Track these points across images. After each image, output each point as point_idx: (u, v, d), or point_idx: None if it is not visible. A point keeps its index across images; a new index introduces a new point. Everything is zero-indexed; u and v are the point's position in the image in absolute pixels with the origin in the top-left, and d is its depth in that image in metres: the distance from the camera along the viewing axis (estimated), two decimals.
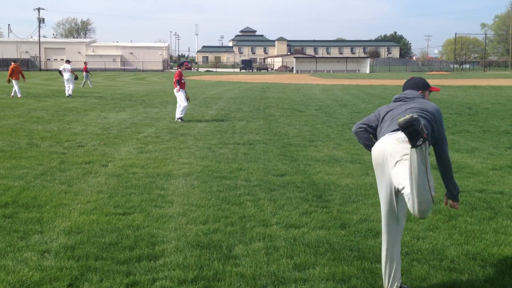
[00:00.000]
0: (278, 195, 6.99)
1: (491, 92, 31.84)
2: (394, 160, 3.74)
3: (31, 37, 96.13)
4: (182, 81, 15.75)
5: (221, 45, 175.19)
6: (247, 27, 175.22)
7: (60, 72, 26.61)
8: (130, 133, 12.87)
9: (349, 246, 5.12)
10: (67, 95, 25.68)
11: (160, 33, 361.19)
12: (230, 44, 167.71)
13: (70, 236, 5.29)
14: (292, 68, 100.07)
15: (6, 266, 4.46)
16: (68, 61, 27.68)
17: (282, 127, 14.49)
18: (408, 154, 3.52)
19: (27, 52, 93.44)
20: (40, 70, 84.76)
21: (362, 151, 10.49)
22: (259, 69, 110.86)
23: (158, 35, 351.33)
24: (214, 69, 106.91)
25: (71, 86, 26.03)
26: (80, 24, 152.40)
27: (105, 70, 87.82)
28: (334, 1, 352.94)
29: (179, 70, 16.11)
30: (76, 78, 26.46)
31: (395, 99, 4.32)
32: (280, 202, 6.67)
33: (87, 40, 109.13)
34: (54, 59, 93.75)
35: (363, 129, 4.26)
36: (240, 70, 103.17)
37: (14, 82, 24.79)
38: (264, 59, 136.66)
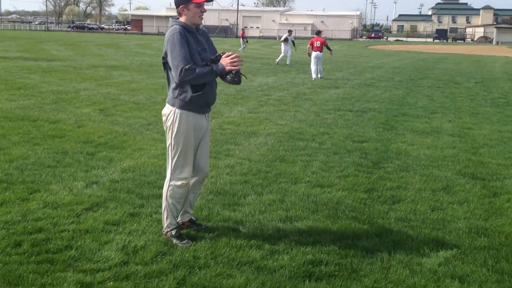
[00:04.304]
0: (336, 159, 7.12)
1: None
2: None
3: (232, 5, 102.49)
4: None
5: (419, 13, 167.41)
6: None
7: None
8: (258, 96, 13.60)
9: (354, 208, 5.19)
10: (287, 63, 25.98)
11: (357, 2, 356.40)
12: (429, 12, 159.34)
13: (123, 173, 6.16)
14: (492, 39, 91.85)
15: (52, 190, 5.46)
16: (289, 31, 27.15)
17: (415, 98, 14.00)
18: None
19: (227, 19, 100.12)
20: (237, 37, 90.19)
21: (476, 127, 9.85)
22: (454, 39, 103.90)
23: (355, 3, 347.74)
24: (404, 39, 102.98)
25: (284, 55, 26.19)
26: None
27: (295, 38, 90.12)
28: None
29: (321, 37, 19.15)
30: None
31: None
32: (330, 164, 6.82)
33: (281, 9, 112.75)
34: (251, 27, 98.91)
35: None
36: (433, 40, 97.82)
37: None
38: (465, 28, 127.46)
